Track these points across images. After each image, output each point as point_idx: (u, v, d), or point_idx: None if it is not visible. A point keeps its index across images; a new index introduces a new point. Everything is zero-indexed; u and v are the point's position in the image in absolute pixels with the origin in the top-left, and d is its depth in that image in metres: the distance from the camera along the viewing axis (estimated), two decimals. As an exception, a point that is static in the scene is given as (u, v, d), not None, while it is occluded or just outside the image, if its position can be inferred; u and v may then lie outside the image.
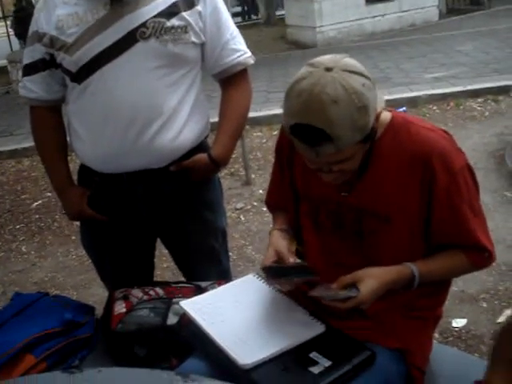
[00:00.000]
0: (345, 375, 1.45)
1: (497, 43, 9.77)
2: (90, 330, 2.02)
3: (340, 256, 1.65)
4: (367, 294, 1.48)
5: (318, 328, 1.59)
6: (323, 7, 12.26)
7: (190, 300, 1.78)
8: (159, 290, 2.03)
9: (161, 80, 1.95)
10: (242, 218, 4.72)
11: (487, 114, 6.55)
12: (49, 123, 2.13)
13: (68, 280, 4.11)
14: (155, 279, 2.38)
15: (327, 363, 1.47)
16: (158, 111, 1.95)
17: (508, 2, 13.79)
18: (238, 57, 2.09)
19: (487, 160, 5.16)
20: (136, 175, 2.02)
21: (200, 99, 2.09)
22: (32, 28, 2.02)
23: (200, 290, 1.96)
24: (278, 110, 7.48)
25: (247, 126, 6.05)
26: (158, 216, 2.11)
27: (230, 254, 2.52)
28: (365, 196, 1.58)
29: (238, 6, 19.69)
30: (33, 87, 2.07)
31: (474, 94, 7.15)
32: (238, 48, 2.09)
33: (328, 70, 1.39)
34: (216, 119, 2.14)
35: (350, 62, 1.43)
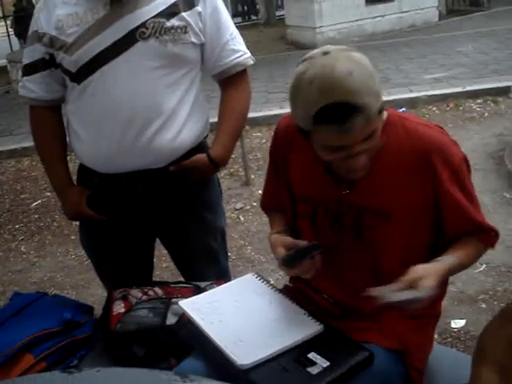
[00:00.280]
0: (343, 376, 1.45)
1: (496, 44, 9.78)
2: (89, 330, 2.02)
3: (338, 256, 1.65)
4: (429, 292, 1.45)
5: (316, 328, 1.59)
6: (323, 8, 12.26)
7: (188, 300, 1.78)
8: (158, 290, 2.03)
9: (160, 80, 1.95)
10: (242, 219, 4.72)
11: (487, 114, 6.56)
12: (48, 123, 2.13)
13: (67, 280, 4.11)
14: (154, 279, 2.38)
15: (325, 364, 1.47)
16: (157, 111, 1.95)
17: (508, 2, 13.80)
18: (238, 57, 2.09)
19: (486, 161, 5.16)
20: (135, 175, 2.02)
21: (199, 99, 2.09)
22: (32, 28, 2.02)
23: (199, 290, 1.96)
24: (278, 111, 7.50)
25: (247, 127, 6.05)
26: (157, 216, 2.11)
27: (229, 254, 2.52)
28: (366, 193, 1.58)
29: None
30: (32, 87, 2.08)
31: (474, 94, 7.15)
32: (238, 48, 2.09)
33: (325, 53, 1.41)
34: (215, 119, 2.14)
35: (338, 46, 1.47)
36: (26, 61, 2.07)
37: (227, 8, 2.13)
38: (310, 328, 1.59)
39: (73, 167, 2.20)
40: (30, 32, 2.03)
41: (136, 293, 2.02)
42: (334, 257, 1.65)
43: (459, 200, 1.56)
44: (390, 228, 1.57)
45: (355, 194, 1.59)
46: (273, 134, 1.81)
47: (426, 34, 12.00)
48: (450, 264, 1.53)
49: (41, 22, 1.97)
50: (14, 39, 15.77)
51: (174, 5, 1.94)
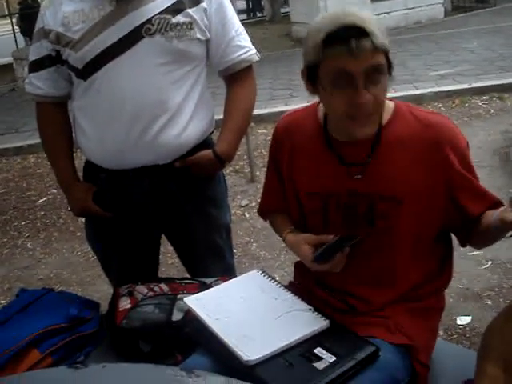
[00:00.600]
0: (349, 371, 1.45)
1: (502, 41, 9.74)
2: (95, 326, 2.02)
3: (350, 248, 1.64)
4: None
5: (322, 324, 1.59)
6: (328, 4, 12.23)
7: (194, 296, 1.79)
8: (164, 286, 2.03)
9: (166, 76, 1.95)
10: (247, 215, 4.72)
11: (492, 111, 6.54)
12: (55, 119, 2.14)
13: (73, 276, 4.12)
14: (160, 276, 2.39)
15: (331, 359, 1.48)
16: (163, 107, 1.95)
17: (514, -1, 13.75)
18: (243, 53, 2.09)
19: (492, 157, 5.15)
20: (141, 171, 2.02)
21: (205, 96, 2.09)
22: (38, 25, 2.02)
23: (204, 286, 1.96)
24: (283, 108, 7.50)
25: (252, 124, 6.05)
26: (162, 212, 2.12)
27: (235, 250, 2.52)
28: (377, 179, 1.59)
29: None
30: (39, 83, 2.08)
31: (480, 91, 7.13)
32: (243, 45, 2.10)
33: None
34: (220, 116, 2.14)
35: None
36: (32, 57, 2.08)
37: (233, 5, 2.13)
38: (316, 323, 1.59)
39: (78, 164, 2.20)
40: (36, 29, 2.04)
41: (142, 289, 2.02)
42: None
43: (471, 180, 1.59)
44: (401, 216, 1.58)
45: (367, 180, 1.60)
46: (273, 132, 1.81)
47: (431, 30, 11.97)
48: None
49: (47, 18, 1.98)
50: (20, 37, 15.78)
51: (179, 1, 1.94)
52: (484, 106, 6.74)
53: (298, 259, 1.80)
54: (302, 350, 1.52)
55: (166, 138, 1.98)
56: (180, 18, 1.93)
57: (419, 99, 7.02)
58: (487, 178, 4.42)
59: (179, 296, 1.95)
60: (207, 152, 2.08)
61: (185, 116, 2.00)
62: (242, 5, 18.91)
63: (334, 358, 1.48)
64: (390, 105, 1.63)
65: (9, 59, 12.67)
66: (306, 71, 1.54)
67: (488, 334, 1.34)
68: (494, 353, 1.28)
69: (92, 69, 1.94)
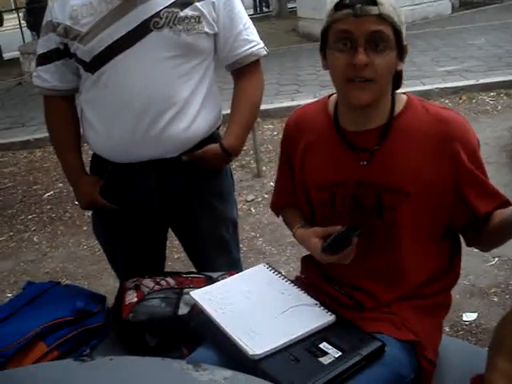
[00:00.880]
0: (354, 366, 1.45)
1: (510, 37, 9.68)
2: (101, 320, 2.03)
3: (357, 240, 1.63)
4: None
5: (328, 319, 1.59)
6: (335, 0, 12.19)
7: (200, 290, 1.79)
8: (170, 280, 2.03)
9: (174, 70, 1.95)
10: (253, 210, 4.72)
11: (499, 107, 6.52)
12: (62, 113, 2.15)
13: (79, 270, 4.13)
14: (166, 270, 2.39)
15: (337, 354, 1.48)
16: (170, 101, 1.95)
17: (522, -4, 13.69)
18: (251, 48, 2.09)
19: (499, 154, 5.13)
20: (148, 165, 2.02)
21: (212, 90, 2.09)
22: (46, 18, 2.02)
23: (211, 281, 1.96)
24: (290, 103, 7.48)
25: (258, 119, 6.04)
26: (169, 205, 2.12)
27: (241, 245, 2.52)
28: (384, 169, 1.58)
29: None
30: (47, 77, 2.08)
31: (487, 87, 7.10)
32: (251, 39, 2.09)
33: None
34: (227, 111, 2.14)
35: None
36: (40, 51, 2.08)
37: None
38: (322, 318, 1.59)
39: (85, 158, 2.21)
40: (44, 22, 2.04)
41: (148, 283, 2.02)
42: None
43: (480, 178, 1.58)
44: (409, 209, 1.57)
45: (374, 169, 1.59)
46: (284, 128, 1.81)
47: (438, 26, 11.93)
48: None
49: (55, 11, 1.98)
50: (27, 31, 15.81)
51: (187, -5, 1.94)
52: (491, 102, 6.72)
53: (305, 254, 1.79)
54: (308, 344, 1.52)
55: (173, 132, 1.98)
56: (188, 12, 1.93)
57: (426, 95, 6.98)
58: (494, 175, 4.39)
59: (185, 290, 1.95)
60: (214, 146, 2.07)
61: (192, 109, 2.00)
62: (249, 0, 18.90)
63: (340, 353, 1.48)
64: (402, 97, 1.64)
65: (16, 53, 12.69)
66: (321, 42, 1.57)
67: (500, 328, 1.33)
68: (505, 348, 1.27)
69: (100, 62, 1.94)
